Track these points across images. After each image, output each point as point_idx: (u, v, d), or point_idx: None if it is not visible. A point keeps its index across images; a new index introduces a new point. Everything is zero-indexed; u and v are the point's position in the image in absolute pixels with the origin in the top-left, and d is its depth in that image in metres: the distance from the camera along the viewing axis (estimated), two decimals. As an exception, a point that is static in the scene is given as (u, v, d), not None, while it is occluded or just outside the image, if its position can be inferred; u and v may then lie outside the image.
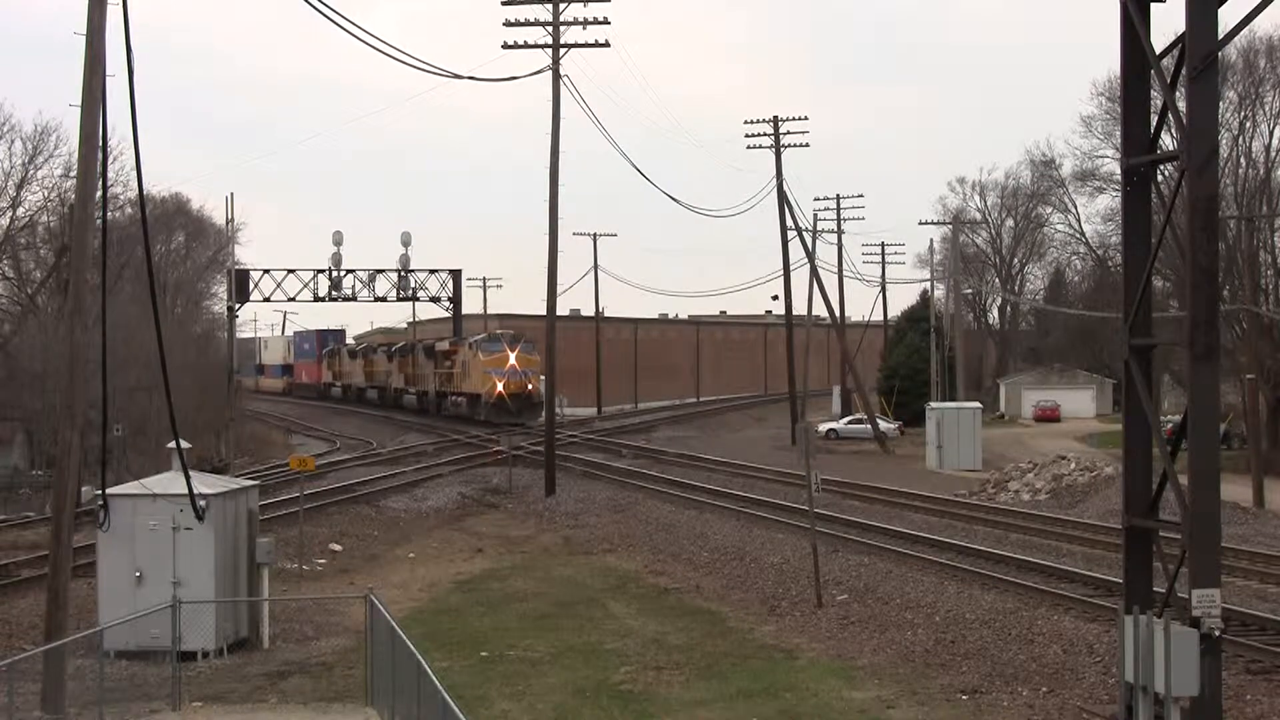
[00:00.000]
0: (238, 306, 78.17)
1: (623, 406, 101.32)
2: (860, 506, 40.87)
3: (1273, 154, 69.68)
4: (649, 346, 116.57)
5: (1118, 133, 31.67)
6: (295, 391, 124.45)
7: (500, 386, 71.12)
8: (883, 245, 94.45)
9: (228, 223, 69.59)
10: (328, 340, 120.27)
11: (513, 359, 71.58)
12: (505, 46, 47.73)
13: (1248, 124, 69.22)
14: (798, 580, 28.72)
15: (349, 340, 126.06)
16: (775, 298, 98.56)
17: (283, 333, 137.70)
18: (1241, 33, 18.36)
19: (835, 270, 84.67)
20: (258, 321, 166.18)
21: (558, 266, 50.22)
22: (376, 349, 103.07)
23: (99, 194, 20.53)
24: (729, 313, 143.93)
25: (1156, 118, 16.55)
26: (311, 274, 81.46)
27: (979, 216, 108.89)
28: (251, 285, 79.54)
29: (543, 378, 62.86)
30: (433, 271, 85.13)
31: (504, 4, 47.92)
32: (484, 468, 53.73)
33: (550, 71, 48.00)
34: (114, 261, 48.89)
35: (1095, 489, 43.69)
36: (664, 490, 45.19)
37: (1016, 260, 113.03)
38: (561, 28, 47.79)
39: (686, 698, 20.20)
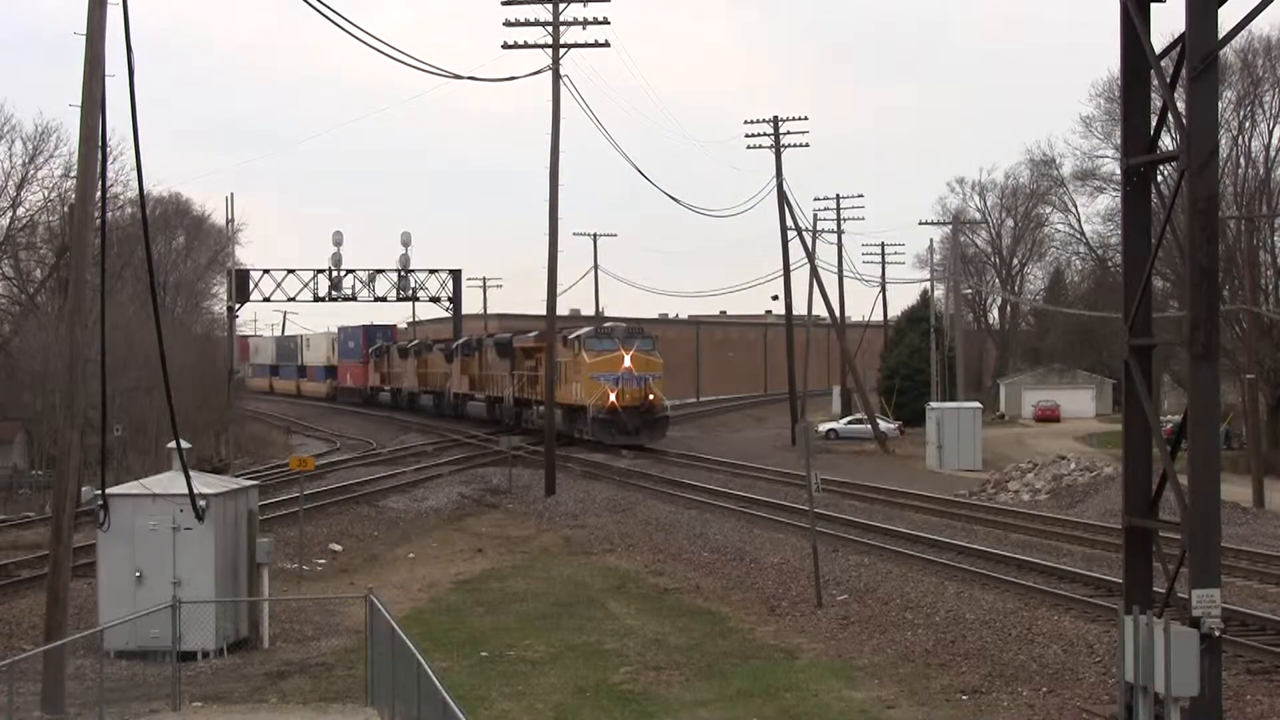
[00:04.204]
0: (238, 306, 78.33)
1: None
2: (860, 506, 40.84)
3: (1272, 154, 69.71)
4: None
5: (1118, 133, 31.67)
6: (341, 397, 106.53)
7: (614, 396, 56.03)
8: (883, 245, 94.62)
9: (228, 223, 69.62)
10: (375, 337, 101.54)
11: (628, 360, 56.34)
12: (505, 46, 47.72)
13: (1247, 124, 69.29)
14: (798, 580, 28.71)
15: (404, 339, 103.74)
16: (775, 298, 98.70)
17: (282, 329, 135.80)
18: (1240, 33, 18.37)
19: (835, 270, 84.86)
20: (257, 321, 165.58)
21: (558, 266, 50.21)
22: (432, 346, 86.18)
23: (99, 194, 20.53)
24: (729, 313, 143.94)
25: (1156, 118, 16.57)
26: (311, 274, 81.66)
27: (979, 216, 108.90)
28: (251, 285, 79.71)
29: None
30: (433, 271, 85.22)
31: (504, 4, 47.91)
32: (484, 468, 53.65)
33: (550, 71, 47.97)
34: (114, 261, 48.99)
35: (1095, 489, 43.68)
36: (664, 490, 45.15)
37: (1016, 260, 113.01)
38: (561, 28, 47.77)
39: (686, 698, 20.18)
